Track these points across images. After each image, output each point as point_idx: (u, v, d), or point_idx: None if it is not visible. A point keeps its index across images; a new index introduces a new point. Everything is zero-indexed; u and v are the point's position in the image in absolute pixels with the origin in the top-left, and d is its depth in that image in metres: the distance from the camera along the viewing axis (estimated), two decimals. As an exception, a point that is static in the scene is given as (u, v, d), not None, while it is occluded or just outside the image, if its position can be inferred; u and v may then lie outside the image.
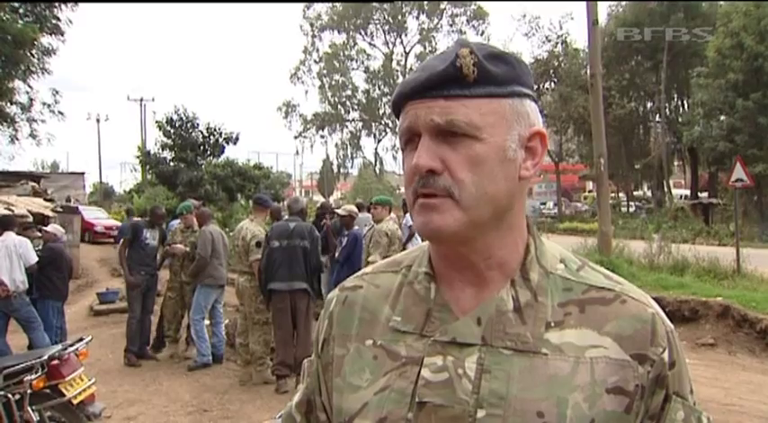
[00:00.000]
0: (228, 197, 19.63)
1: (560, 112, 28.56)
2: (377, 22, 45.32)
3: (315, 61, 46.16)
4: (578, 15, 62.58)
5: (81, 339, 4.53)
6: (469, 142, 0.76)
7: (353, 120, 47.58)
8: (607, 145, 12.17)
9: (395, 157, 50.09)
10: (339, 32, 45.48)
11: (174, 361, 7.13)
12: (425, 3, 44.44)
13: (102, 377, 5.97)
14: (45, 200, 15.88)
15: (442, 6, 44.47)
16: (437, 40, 45.16)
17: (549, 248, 0.85)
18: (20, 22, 16.06)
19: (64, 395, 4.07)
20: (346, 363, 0.86)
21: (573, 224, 26.77)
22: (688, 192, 33.13)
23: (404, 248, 5.93)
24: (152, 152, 20.09)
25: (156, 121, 19.57)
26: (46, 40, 17.87)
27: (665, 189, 31.61)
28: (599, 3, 15.12)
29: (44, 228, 7.87)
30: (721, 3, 25.70)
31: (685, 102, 33.55)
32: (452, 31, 44.49)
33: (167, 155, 19.78)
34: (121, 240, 7.54)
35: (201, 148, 19.67)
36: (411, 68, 43.71)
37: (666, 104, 31.81)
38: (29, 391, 3.95)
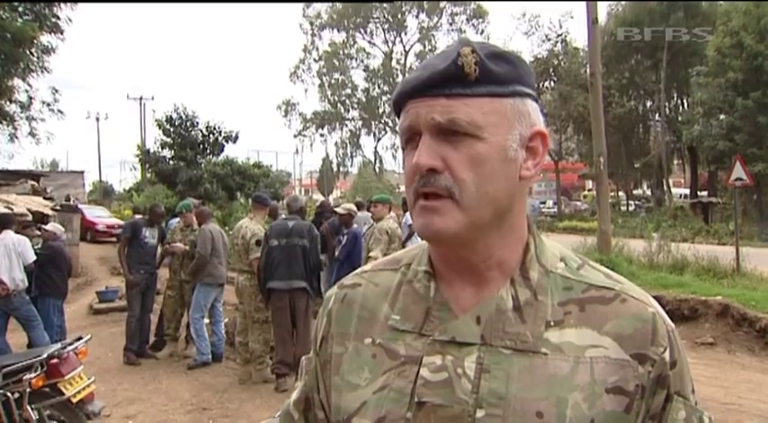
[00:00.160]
0: (228, 196, 19.61)
1: (560, 110, 28.54)
2: (376, 20, 45.30)
3: (314, 60, 46.18)
4: (578, 14, 62.53)
5: (80, 338, 4.53)
6: (471, 142, 0.75)
7: (353, 118, 47.56)
8: (607, 144, 12.16)
9: (394, 156, 50.11)
10: (339, 31, 45.47)
11: (174, 359, 7.13)
12: (425, 2, 44.40)
13: (101, 376, 5.97)
14: (44, 198, 15.86)
15: (442, 5, 44.44)
16: (437, 38, 45.22)
17: (549, 247, 0.85)
18: (19, 20, 16.05)
19: (63, 394, 4.06)
20: (345, 361, 0.85)
21: (572, 223, 26.76)
22: (688, 191, 33.14)
23: (403, 247, 5.92)
24: (152, 151, 20.06)
25: (156, 120, 19.56)
26: (45, 38, 17.89)
27: (665, 188, 31.60)
28: (599, 2, 15.12)
29: (43, 226, 7.86)
30: (721, 2, 25.66)
31: (685, 100, 33.54)
32: (452, 30, 44.52)
33: (167, 153, 19.76)
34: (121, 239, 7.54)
35: (201, 146, 19.65)
36: (411, 67, 43.70)
37: (666, 103, 31.80)
38: (28, 390, 3.95)
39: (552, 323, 0.77)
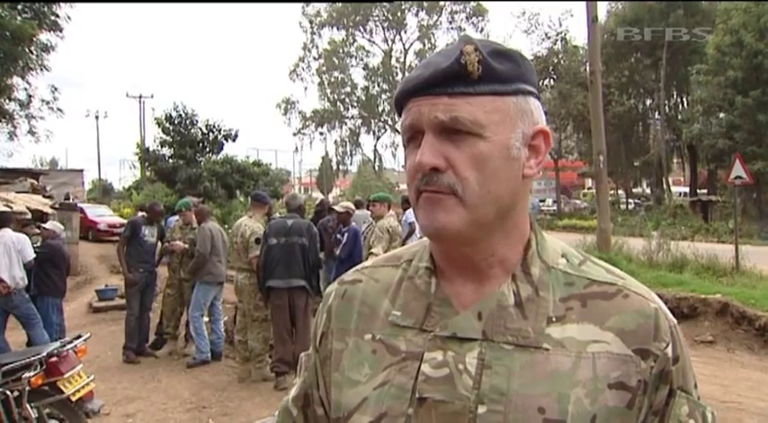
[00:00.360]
0: (227, 194, 19.61)
1: (560, 109, 28.52)
2: (376, 19, 45.24)
3: (314, 58, 46.12)
4: (578, 12, 62.58)
5: (79, 336, 4.52)
6: (473, 140, 0.75)
7: (353, 117, 47.52)
8: (606, 142, 12.17)
9: (394, 155, 50.17)
10: (338, 29, 45.41)
11: (173, 358, 7.13)
12: (425, 1, 44.36)
13: (100, 374, 5.97)
14: (44, 197, 15.84)
15: (442, 3, 44.39)
16: (436, 37, 45.15)
17: (551, 243, 0.84)
18: (18, 18, 16.03)
19: (63, 392, 4.06)
20: (345, 357, 0.85)
21: (572, 221, 26.77)
22: (687, 189, 33.12)
23: (403, 245, 5.92)
24: (151, 149, 20.06)
25: (155, 118, 19.57)
26: (44, 36, 17.88)
27: (665, 186, 31.59)
28: (598, 1, 15.11)
29: (43, 225, 7.86)
30: (721, 0, 25.64)
31: (685, 99, 33.51)
32: (452, 29, 44.45)
33: (166, 152, 19.76)
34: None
35: (200, 145, 19.65)
36: (410, 65, 43.67)
37: (666, 101, 31.78)
38: (27, 389, 3.95)
39: (554, 319, 0.77)
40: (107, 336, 8.09)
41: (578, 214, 31.19)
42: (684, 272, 9.71)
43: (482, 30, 43.49)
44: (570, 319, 0.77)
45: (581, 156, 34.86)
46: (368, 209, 7.94)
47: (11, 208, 9.77)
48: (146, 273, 7.19)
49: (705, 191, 29.75)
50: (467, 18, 44.15)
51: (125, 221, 10.76)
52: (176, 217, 7.95)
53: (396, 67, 45.39)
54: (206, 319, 7.00)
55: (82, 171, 34.61)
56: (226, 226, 11.43)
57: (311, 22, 45.08)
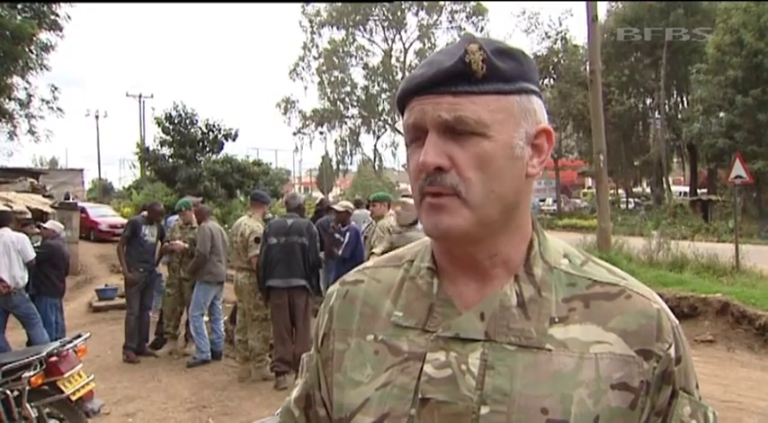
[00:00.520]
0: (227, 194, 19.56)
1: (560, 108, 28.52)
2: (376, 18, 45.20)
3: (314, 57, 46.09)
4: (578, 12, 62.61)
5: (79, 336, 4.52)
6: (477, 140, 0.75)
7: (353, 116, 47.50)
8: (606, 141, 12.16)
9: (394, 154, 50.13)
10: (338, 29, 45.37)
11: (173, 357, 7.13)
12: (425, 0, 44.34)
13: (100, 374, 5.97)
14: (44, 196, 15.84)
15: (442, 3, 44.36)
16: (436, 36, 45.10)
17: (553, 244, 0.84)
18: (18, 17, 16.02)
19: (62, 392, 4.06)
20: (347, 358, 0.85)
21: (572, 221, 26.77)
22: (687, 188, 33.12)
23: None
24: (151, 149, 20.02)
25: (155, 118, 19.51)
26: (44, 35, 17.84)
27: (665, 186, 31.59)
28: (598, 0, 15.10)
29: (43, 224, 7.85)
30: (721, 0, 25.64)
31: (685, 98, 33.50)
32: (451, 28, 44.42)
33: (166, 151, 19.72)
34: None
35: (200, 144, 19.61)
36: (410, 65, 43.67)
37: (666, 101, 31.76)
38: (27, 388, 3.95)
39: (556, 319, 0.77)
40: (107, 335, 8.09)
41: (578, 214, 31.20)
42: (684, 271, 9.71)
43: (482, 29, 43.46)
44: (573, 319, 0.77)
45: (581, 155, 34.86)
46: (368, 208, 7.93)
47: (11, 207, 9.76)
48: (146, 272, 7.18)
49: (705, 190, 29.74)
50: (467, 17, 44.12)
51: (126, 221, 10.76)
52: (176, 216, 7.94)
53: (396, 67, 45.37)
54: (206, 318, 7.00)
55: (82, 170, 34.67)
56: (226, 225, 11.42)
57: (311, 21, 45.07)
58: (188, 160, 19.00)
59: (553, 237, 0.87)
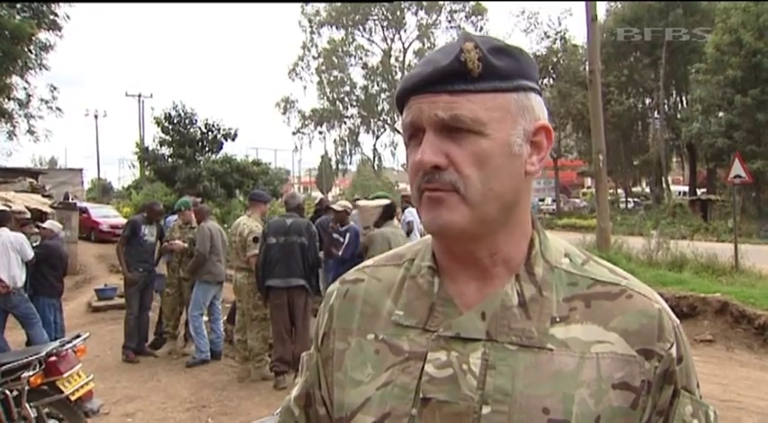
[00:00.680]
0: (227, 193, 19.54)
1: (559, 108, 28.54)
2: (375, 18, 45.20)
3: (313, 57, 46.10)
4: (577, 12, 62.58)
5: (79, 336, 4.51)
6: (474, 138, 0.75)
7: (352, 116, 47.51)
8: (606, 141, 12.18)
9: (393, 154, 50.13)
10: (337, 29, 45.38)
11: (173, 357, 7.12)
12: (424, 0, 44.33)
13: (100, 374, 5.97)
14: (43, 196, 15.83)
15: (441, 3, 44.37)
16: (436, 36, 45.10)
17: (554, 243, 0.84)
18: (17, 17, 16.00)
19: (62, 392, 4.05)
20: (347, 357, 0.85)
21: (571, 220, 26.79)
22: (686, 188, 33.13)
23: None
24: (150, 148, 20.00)
25: (155, 118, 19.49)
26: (43, 35, 17.84)
27: (664, 185, 31.60)
28: (598, 0, 15.11)
29: (41, 224, 7.85)
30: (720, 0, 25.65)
31: (684, 98, 33.52)
32: (451, 27, 44.41)
33: (165, 151, 19.69)
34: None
35: (200, 144, 19.58)
36: (409, 65, 43.66)
37: (665, 101, 31.79)
38: (26, 388, 3.94)
39: (558, 319, 0.77)
40: (106, 335, 8.08)
41: (578, 213, 31.24)
42: (684, 271, 9.71)
43: (481, 29, 43.43)
44: (574, 319, 0.77)
45: (580, 155, 34.89)
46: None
47: (10, 207, 9.75)
48: (145, 272, 7.18)
49: (704, 190, 29.77)
50: (466, 17, 44.13)
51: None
52: (175, 216, 7.94)
53: (395, 67, 45.38)
54: (205, 318, 6.99)
55: (81, 170, 34.59)
56: (225, 225, 11.41)
57: (310, 21, 45.07)
58: (187, 160, 18.98)
59: (554, 236, 0.87)
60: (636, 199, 37.75)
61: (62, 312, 7.35)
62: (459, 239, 0.78)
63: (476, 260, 0.80)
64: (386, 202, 6.47)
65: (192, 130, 19.52)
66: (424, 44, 44.85)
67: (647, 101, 34.55)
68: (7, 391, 3.95)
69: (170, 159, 19.35)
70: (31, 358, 4.01)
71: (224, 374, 6.39)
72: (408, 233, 7.36)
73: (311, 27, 45.21)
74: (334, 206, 7.50)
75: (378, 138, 48.02)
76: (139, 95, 37.53)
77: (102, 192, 44.80)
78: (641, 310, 0.77)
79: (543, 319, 0.77)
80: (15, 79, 18.28)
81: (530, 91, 0.79)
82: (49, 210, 13.60)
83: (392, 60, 45.90)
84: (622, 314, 0.77)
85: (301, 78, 46.41)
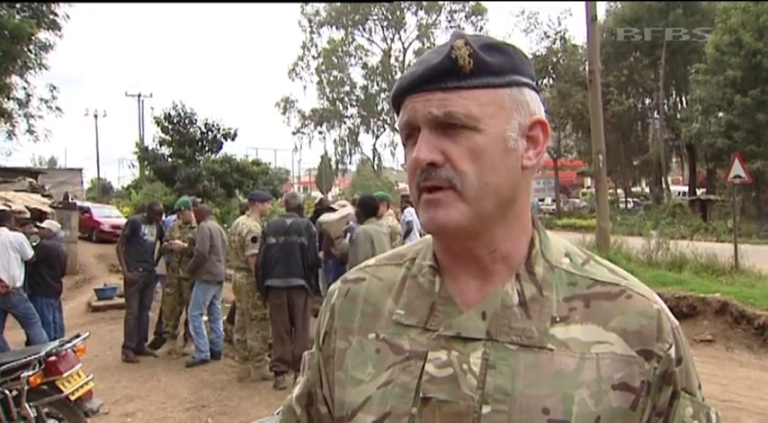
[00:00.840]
0: (226, 193, 19.54)
1: (559, 108, 28.53)
2: (375, 18, 45.25)
3: (313, 57, 46.16)
4: (577, 12, 62.59)
5: (78, 335, 4.51)
6: (469, 134, 0.75)
7: (352, 116, 47.55)
8: (605, 141, 12.19)
9: (393, 154, 50.14)
10: (337, 28, 45.43)
11: (172, 357, 7.12)
12: (424, 0, 44.35)
13: (99, 373, 5.96)
14: (43, 196, 15.82)
15: (441, 3, 44.40)
16: (435, 36, 45.15)
17: (554, 242, 0.84)
18: (17, 17, 16.00)
19: (61, 391, 4.05)
20: (348, 356, 0.85)
21: (571, 220, 26.79)
22: (686, 188, 33.16)
23: (402, 243, 5.92)
24: (150, 148, 20.01)
25: (154, 117, 19.50)
26: (43, 35, 17.85)
27: (664, 185, 31.62)
28: (598, 0, 15.12)
29: (40, 224, 7.85)
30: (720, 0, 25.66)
31: (684, 98, 33.54)
32: (451, 27, 44.38)
33: (165, 151, 19.71)
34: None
35: (200, 144, 19.59)
36: (409, 64, 43.47)
37: (665, 101, 31.79)
38: (26, 388, 3.94)
39: (558, 319, 0.77)
40: (106, 335, 8.08)
41: (577, 213, 31.24)
42: (684, 271, 9.71)
43: (481, 29, 43.48)
44: (574, 319, 0.77)
45: (580, 155, 34.90)
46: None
47: (9, 207, 9.75)
48: (145, 272, 7.18)
49: (704, 190, 29.79)
50: (466, 17, 44.19)
51: (127, 221, 10.76)
52: (175, 216, 7.94)
53: (395, 67, 45.41)
54: (205, 318, 6.99)
55: (81, 170, 34.59)
56: (225, 225, 11.41)
57: (310, 21, 45.12)
58: (187, 160, 18.99)
59: (555, 235, 0.87)
60: (636, 199, 37.76)
61: (62, 312, 7.35)
62: (458, 237, 0.78)
63: (475, 258, 0.80)
64: (347, 210, 6.73)
65: (191, 129, 19.53)
66: (423, 44, 44.88)
67: (647, 101, 34.57)
68: (7, 391, 3.95)
69: (170, 159, 19.36)
70: (30, 358, 4.01)
71: (224, 374, 6.39)
72: (408, 233, 7.36)
73: (311, 27, 45.28)
74: (333, 206, 7.51)
75: (377, 137, 48.13)
76: (139, 95, 37.58)
77: (102, 191, 44.79)
78: (641, 311, 0.77)
79: (543, 319, 0.77)
80: (15, 79, 18.29)
81: (523, 86, 0.79)
82: (48, 209, 13.59)
83: (392, 60, 45.95)
84: (622, 314, 0.77)
85: (301, 78, 46.56)
